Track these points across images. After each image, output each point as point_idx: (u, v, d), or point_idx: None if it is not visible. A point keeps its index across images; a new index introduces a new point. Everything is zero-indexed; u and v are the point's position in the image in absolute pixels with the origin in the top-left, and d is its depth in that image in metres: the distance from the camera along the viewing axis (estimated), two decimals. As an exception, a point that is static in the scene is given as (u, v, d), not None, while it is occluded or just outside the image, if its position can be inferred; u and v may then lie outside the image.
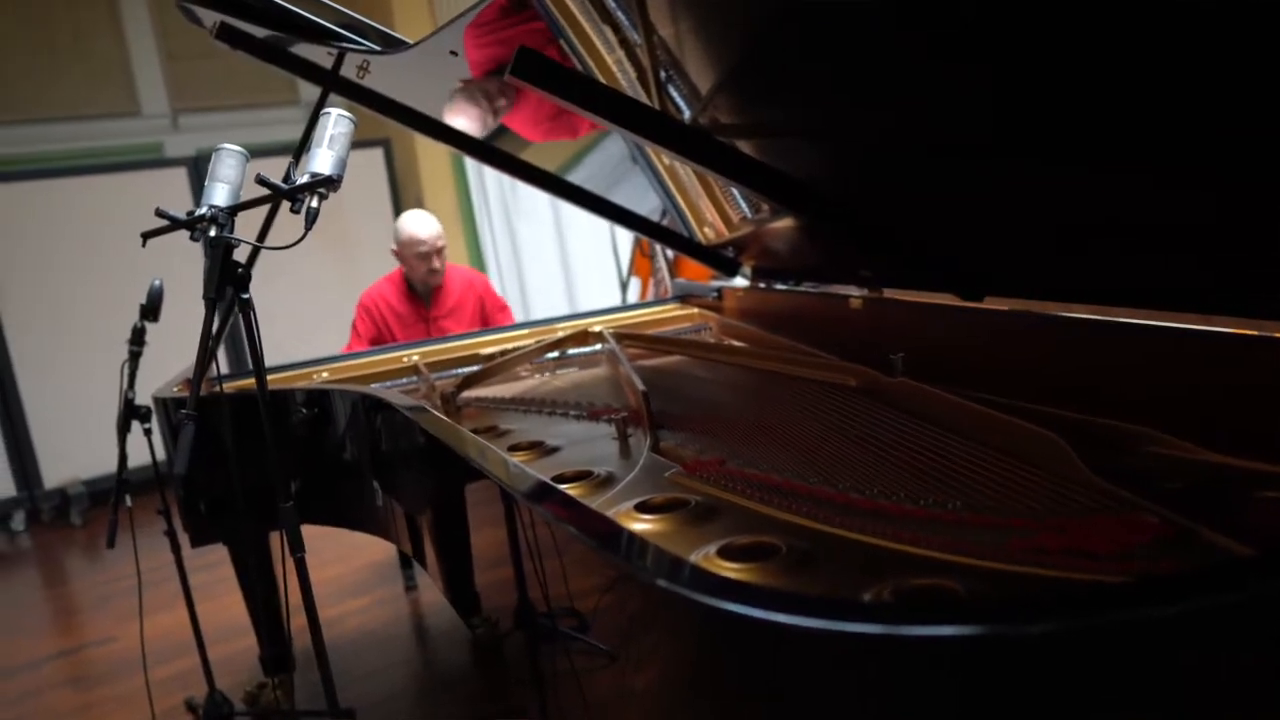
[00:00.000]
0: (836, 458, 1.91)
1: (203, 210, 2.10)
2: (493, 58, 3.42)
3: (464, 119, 3.39)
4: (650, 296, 7.12)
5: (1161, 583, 1.07)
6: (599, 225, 4.00)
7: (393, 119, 3.45)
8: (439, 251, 4.54)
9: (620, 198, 3.87)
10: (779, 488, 1.78)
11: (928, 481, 1.71)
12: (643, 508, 1.76)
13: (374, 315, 4.65)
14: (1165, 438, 1.68)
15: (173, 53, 8.36)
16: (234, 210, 2.13)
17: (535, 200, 8.18)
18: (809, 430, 2.13)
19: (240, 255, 2.21)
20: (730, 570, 1.44)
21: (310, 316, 7.54)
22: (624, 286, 7.49)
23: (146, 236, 2.14)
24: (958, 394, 2.04)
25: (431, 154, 8.15)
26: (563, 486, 1.99)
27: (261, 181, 2.07)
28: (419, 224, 4.54)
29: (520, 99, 3.60)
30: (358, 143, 7.31)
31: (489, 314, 4.81)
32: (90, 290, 6.89)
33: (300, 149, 2.17)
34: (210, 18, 2.99)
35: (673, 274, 6.61)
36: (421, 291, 4.67)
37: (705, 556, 1.50)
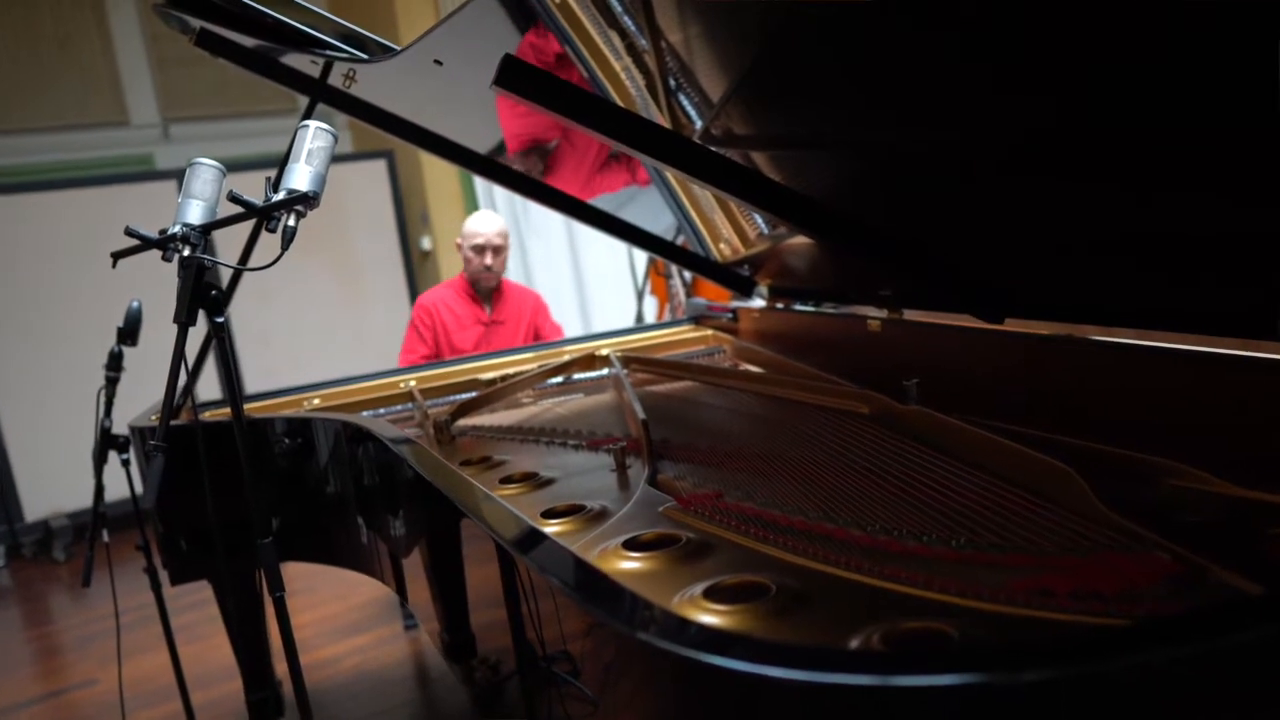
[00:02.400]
0: (840, 491, 1.92)
1: (175, 229, 2.10)
2: (527, 129, 3.52)
3: None
4: (667, 318, 7.14)
5: (1164, 626, 1.06)
6: (615, 241, 4.03)
7: (387, 132, 3.48)
8: (496, 250, 4.77)
9: (634, 215, 3.88)
10: (776, 523, 1.78)
11: (933, 516, 1.71)
12: (631, 545, 1.76)
13: (432, 315, 4.85)
14: (1185, 469, 1.68)
15: (163, 59, 8.44)
16: (207, 229, 2.13)
17: (547, 215, 8.17)
18: (815, 461, 2.14)
19: (226, 276, 2.22)
20: (715, 613, 1.44)
21: (310, 339, 7.57)
22: (640, 297, 7.50)
23: (116, 256, 2.15)
24: (973, 422, 2.04)
25: (438, 166, 8.19)
26: (552, 522, 2.01)
27: (234, 199, 2.08)
28: (480, 219, 4.82)
29: (558, 161, 3.66)
30: (360, 154, 7.36)
31: (541, 335, 5.00)
32: (77, 311, 6.91)
33: (283, 165, 2.18)
34: (192, 23, 3.02)
35: (690, 293, 6.62)
36: (481, 294, 4.88)
37: (690, 598, 1.50)
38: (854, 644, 1.30)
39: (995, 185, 2.11)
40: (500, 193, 8.31)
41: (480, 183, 8.36)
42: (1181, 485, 1.66)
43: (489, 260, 4.75)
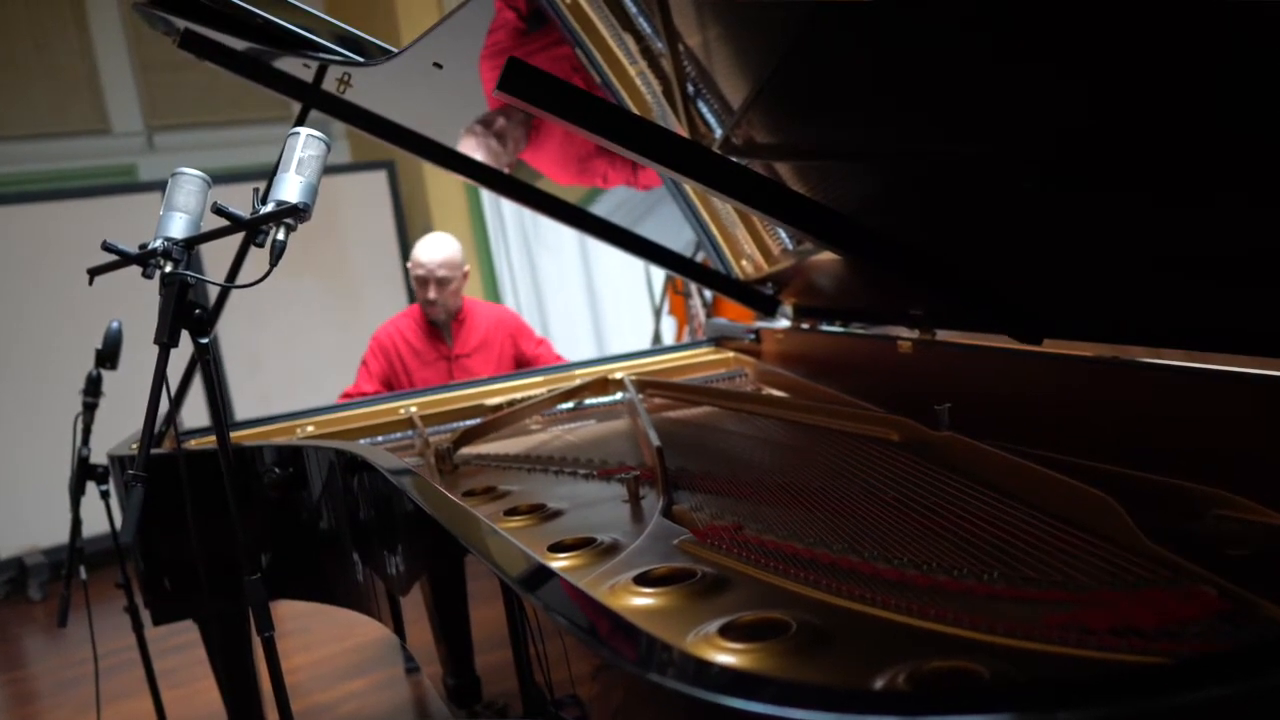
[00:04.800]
0: (867, 522, 1.93)
1: (155, 243, 2.11)
2: None
3: (477, 157, 3.45)
4: (686, 339, 7.15)
5: (1210, 664, 1.07)
6: (630, 257, 4.02)
7: (387, 141, 3.49)
8: (440, 283, 4.58)
9: (651, 230, 3.89)
10: (798, 557, 1.79)
11: (965, 549, 1.72)
12: (642, 580, 1.77)
13: (389, 352, 4.71)
14: (1233, 498, 1.69)
15: (147, 64, 8.48)
16: (191, 243, 2.14)
17: (558, 229, 8.17)
18: (841, 491, 2.15)
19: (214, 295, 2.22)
20: (731, 651, 1.45)
21: (305, 361, 7.57)
22: (658, 316, 7.51)
23: (93, 273, 2.16)
24: (1009, 449, 2.05)
25: (442, 177, 8.19)
26: (560, 556, 2.02)
27: (219, 211, 2.08)
28: (425, 246, 4.64)
29: (542, 135, 3.64)
30: (358, 165, 7.38)
31: (525, 354, 4.86)
32: (53, 331, 6.93)
33: (272, 175, 2.19)
34: (176, 23, 3.04)
35: (710, 313, 6.63)
36: (441, 326, 4.74)
37: (704, 636, 1.51)
38: (878, 684, 1.31)
39: (1033, 198, 2.11)
40: (509, 206, 8.33)
41: (487, 195, 8.37)
42: (1228, 515, 1.67)
43: (431, 294, 4.59)
